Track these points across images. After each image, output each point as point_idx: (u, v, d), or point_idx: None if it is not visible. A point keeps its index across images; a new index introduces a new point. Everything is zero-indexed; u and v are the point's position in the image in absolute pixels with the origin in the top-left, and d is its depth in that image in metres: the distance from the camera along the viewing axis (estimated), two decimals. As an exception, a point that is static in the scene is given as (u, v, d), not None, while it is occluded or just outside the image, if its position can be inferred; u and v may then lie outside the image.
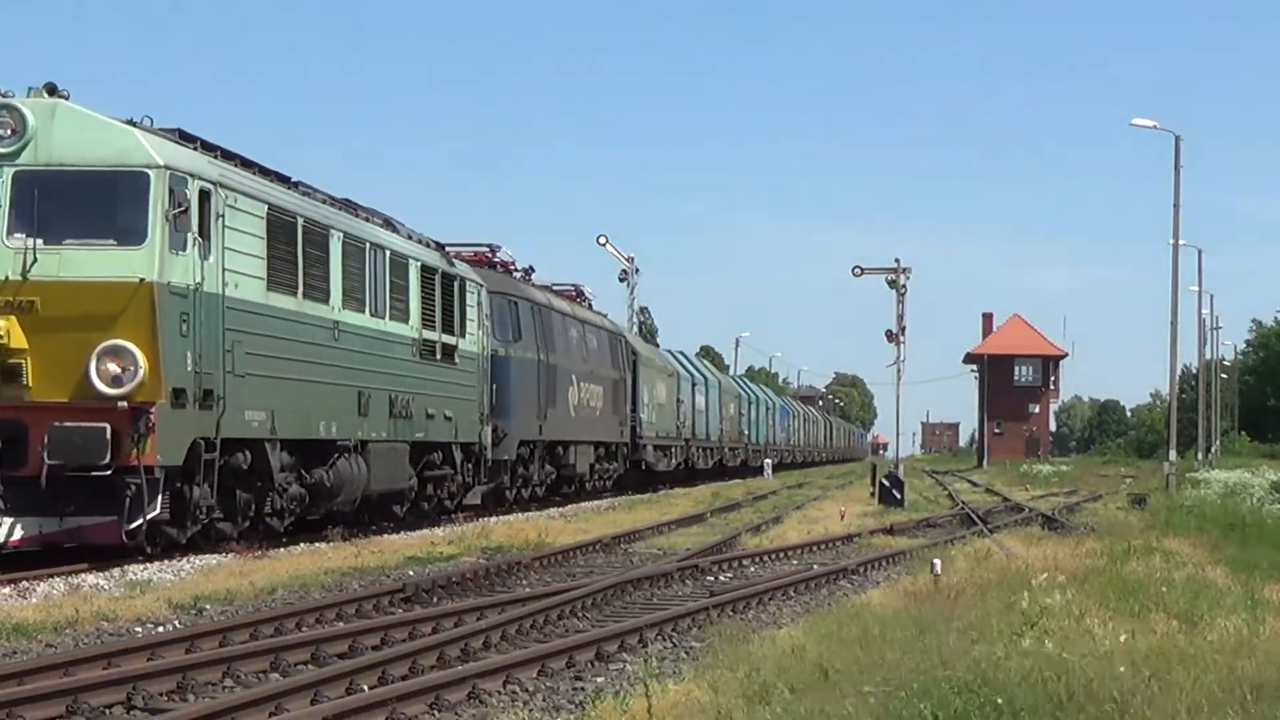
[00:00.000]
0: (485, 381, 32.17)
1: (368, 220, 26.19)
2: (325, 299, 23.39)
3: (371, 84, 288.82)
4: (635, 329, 72.97)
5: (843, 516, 34.14)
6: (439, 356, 28.83)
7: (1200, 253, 76.34)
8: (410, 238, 28.46)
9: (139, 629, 14.57)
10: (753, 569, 21.80)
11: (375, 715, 10.05)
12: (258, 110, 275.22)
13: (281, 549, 22.71)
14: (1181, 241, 51.22)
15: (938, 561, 18.07)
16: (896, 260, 45.67)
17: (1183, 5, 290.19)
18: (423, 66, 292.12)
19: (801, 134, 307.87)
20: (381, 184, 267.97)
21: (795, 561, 23.13)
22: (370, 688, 10.99)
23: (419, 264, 27.81)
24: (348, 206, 25.73)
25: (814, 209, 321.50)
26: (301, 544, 23.68)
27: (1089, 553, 21.14)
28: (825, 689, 9.88)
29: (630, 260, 75.61)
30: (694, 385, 60.94)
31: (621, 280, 75.47)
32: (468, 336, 30.92)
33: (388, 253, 26.34)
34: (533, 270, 38.95)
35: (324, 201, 24.36)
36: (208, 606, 16.10)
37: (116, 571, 18.65)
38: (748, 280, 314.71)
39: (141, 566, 19.28)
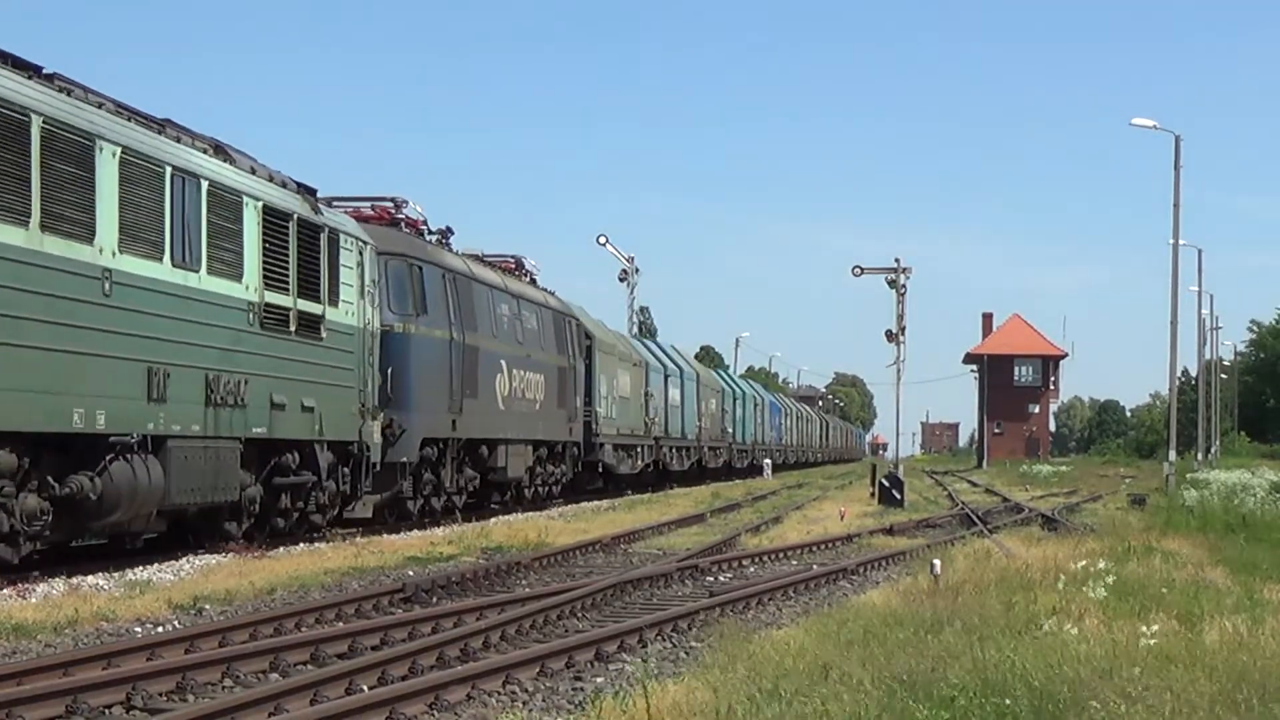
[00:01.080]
0: (369, 364, 25.91)
1: (180, 140, 20.03)
2: (88, 237, 17.41)
3: (371, 84, 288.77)
4: (635, 329, 72.94)
5: (842, 517, 34.13)
6: (294, 328, 22.73)
7: (1200, 253, 76.54)
8: (255, 172, 22.13)
9: (138, 629, 14.56)
10: (752, 569, 21.80)
11: (375, 715, 10.04)
12: (258, 111, 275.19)
13: (281, 549, 22.72)
14: (1181, 241, 51.30)
15: (937, 562, 18.06)
16: (896, 260, 45.72)
17: (1183, 5, 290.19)
18: (422, 67, 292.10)
19: (802, 134, 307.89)
20: (379, 181, 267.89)
21: (795, 562, 23.13)
22: (370, 688, 10.99)
23: (260, 205, 21.66)
24: (149, 121, 19.57)
25: (814, 209, 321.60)
26: (301, 544, 23.69)
27: (1089, 553, 21.13)
28: (826, 689, 9.87)
29: (630, 260, 75.68)
30: (666, 377, 54.69)
31: (621, 280, 75.53)
32: (341, 305, 24.62)
33: (205, 184, 20.06)
34: (451, 232, 32.04)
35: (98, 105, 18.18)
36: (207, 606, 16.10)
37: (116, 572, 18.65)
38: (748, 280, 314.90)
39: (141, 566, 19.28)
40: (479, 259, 34.48)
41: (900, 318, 45.28)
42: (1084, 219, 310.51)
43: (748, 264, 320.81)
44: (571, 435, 39.54)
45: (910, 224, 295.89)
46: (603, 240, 75.03)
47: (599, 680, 11.82)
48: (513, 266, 37.78)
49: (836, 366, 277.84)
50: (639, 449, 49.22)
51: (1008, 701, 9.03)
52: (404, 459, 27.65)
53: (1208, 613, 13.90)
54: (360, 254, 25.64)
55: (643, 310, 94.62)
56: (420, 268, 28.70)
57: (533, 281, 38.68)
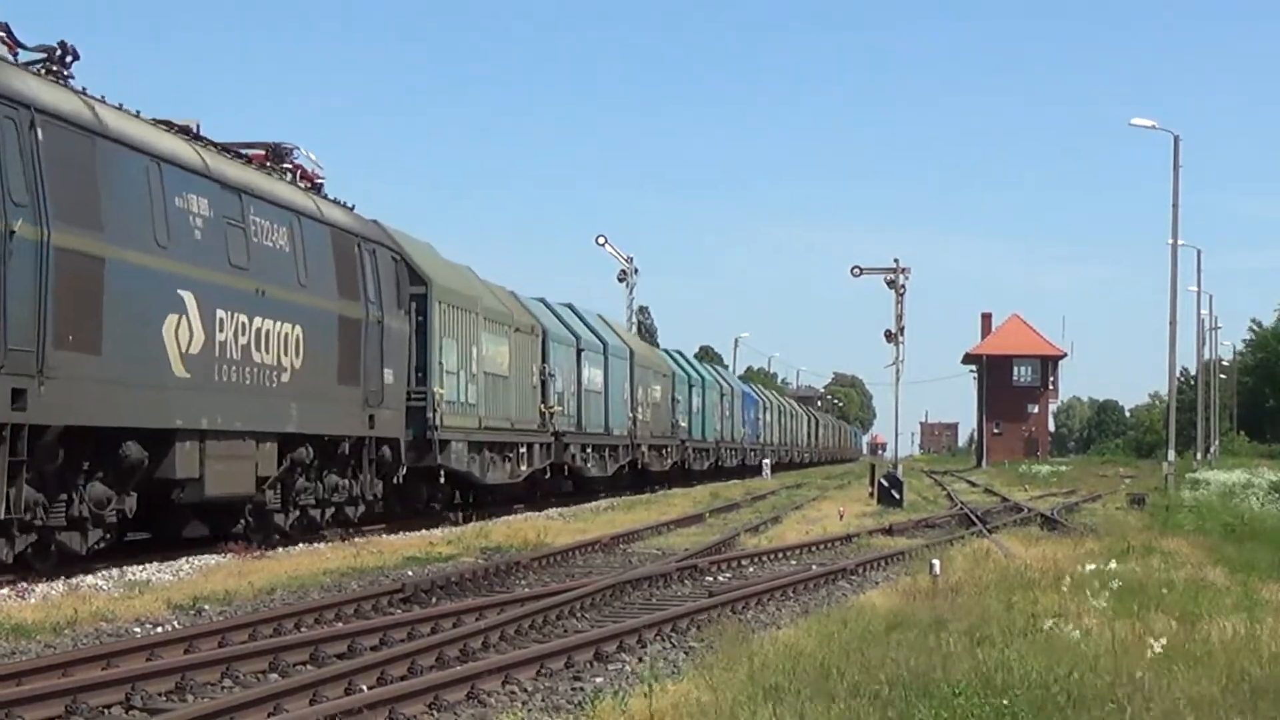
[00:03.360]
0: None
1: None
2: None
3: (371, 85, 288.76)
4: (635, 329, 72.81)
5: (841, 517, 34.14)
6: None
7: (1199, 253, 76.50)
8: None
9: (138, 629, 14.56)
10: (751, 569, 21.80)
11: (374, 715, 10.03)
12: (256, 113, 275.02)
13: (280, 549, 22.72)
14: (1181, 242, 51.32)
15: (937, 562, 18.07)
16: (895, 260, 45.84)
17: (1183, 5, 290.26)
18: (422, 67, 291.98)
19: (802, 134, 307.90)
20: (381, 185, 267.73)
21: (794, 562, 23.12)
22: (369, 688, 10.98)
23: None
24: None
25: (813, 209, 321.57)
26: (300, 544, 23.70)
27: (1088, 553, 21.13)
28: (826, 689, 9.87)
29: (629, 260, 75.69)
30: (581, 352, 42.59)
31: (621, 280, 75.54)
32: None
33: None
34: (69, 54, 18.58)
35: None
36: (206, 607, 16.10)
37: (115, 572, 18.64)
38: (747, 281, 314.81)
39: (140, 567, 19.28)
40: (169, 126, 20.91)
41: (899, 318, 45.34)
42: (1084, 219, 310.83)
43: (747, 264, 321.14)
44: (373, 428, 26.02)
45: (910, 224, 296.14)
46: (602, 240, 75.05)
47: (598, 680, 11.81)
48: (265, 157, 24.46)
49: (836, 367, 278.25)
50: (527, 449, 36.39)
51: (1006, 702, 9.03)
52: None
53: (1207, 613, 13.91)
54: None
55: (642, 310, 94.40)
56: None
57: (316, 190, 25.70)
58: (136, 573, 18.71)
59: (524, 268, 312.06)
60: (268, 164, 24.28)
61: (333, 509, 25.44)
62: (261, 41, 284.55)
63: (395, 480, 27.99)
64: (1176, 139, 49.34)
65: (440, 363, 30.21)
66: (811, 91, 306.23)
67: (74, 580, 17.70)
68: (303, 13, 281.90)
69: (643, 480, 52.49)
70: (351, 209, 27.01)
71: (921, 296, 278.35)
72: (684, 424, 59.01)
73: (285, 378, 22.68)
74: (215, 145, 22.02)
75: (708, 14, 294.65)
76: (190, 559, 20.64)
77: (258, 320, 21.78)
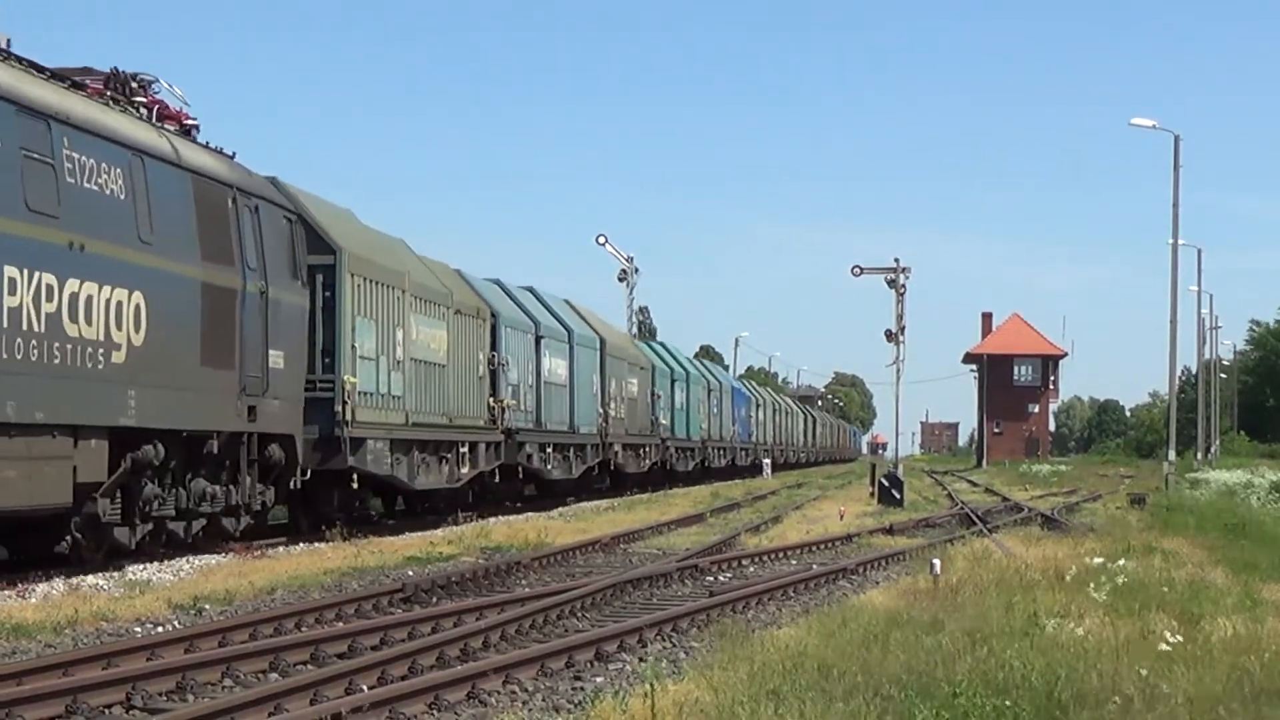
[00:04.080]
0: None
1: None
2: None
3: (371, 85, 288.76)
4: (635, 329, 72.75)
5: (842, 516, 34.14)
6: None
7: (1200, 252, 76.51)
8: None
9: (138, 629, 14.57)
10: (752, 569, 21.80)
11: (375, 715, 10.04)
12: (257, 114, 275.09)
13: (281, 549, 22.72)
14: (1181, 241, 51.31)
15: (937, 561, 18.06)
16: (896, 260, 45.78)
17: (1183, 5, 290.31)
18: (422, 67, 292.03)
19: (802, 134, 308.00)
20: (380, 185, 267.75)
21: (795, 561, 23.12)
22: (370, 688, 10.98)
23: None
24: None
25: (814, 209, 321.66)
26: (301, 544, 23.70)
27: (1088, 553, 21.14)
28: (826, 689, 9.87)
29: (630, 260, 75.69)
30: (540, 340, 37.67)
31: (621, 280, 75.55)
32: None
33: None
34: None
35: None
36: (207, 606, 16.10)
37: (116, 572, 18.65)
38: (747, 280, 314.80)
39: (141, 566, 19.28)
40: None
41: (900, 317, 45.32)
42: (1084, 219, 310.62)
43: (747, 264, 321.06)
44: (254, 422, 21.67)
45: (910, 224, 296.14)
46: (602, 240, 75.06)
47: (599, 680, 11.81)
48: (104, 88, 19.79)
49: (836, 366, 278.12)
50: (464, 449, 31.43)
51: (1008, 702, 9.02)
52: None
53: (1208, 613, 13.91)
54: None
55: (642, 310, 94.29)
56: None
57: (185, 134, 21.29)
58: (137, 572, 18.71)
59: (524, 268, 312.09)
60: (109, 95, 19.57)
61: (204, 521, 20.84)
62: (261, 42, 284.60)
63: (293, 485, 23.37)
64: (1177, 139, 49.38)
65: (353, 346, 25.44)
66: (812, 91, 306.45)
67: (74, 580, 17.70)
68: (302, 12, 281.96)
69: (618, 483, 48.57)
70: (231, 157, 22.12)
71: (922, 296, 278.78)
72: (665, 421, 53.72)
73: (118, 357, 17.97)
74: (22, 62, 17.53)
75: (708, 14, 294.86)
76: (191, 559, 20.65)
77: (72, 283, 17.04)
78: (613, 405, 44.94)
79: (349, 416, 25.02)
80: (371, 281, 26.53)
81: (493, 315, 34.35)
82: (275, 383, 22.23)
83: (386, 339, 27.14)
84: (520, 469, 36.29)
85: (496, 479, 34.67)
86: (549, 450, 37.98)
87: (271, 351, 22.15)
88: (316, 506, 26.15)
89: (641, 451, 49.37)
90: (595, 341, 44.01)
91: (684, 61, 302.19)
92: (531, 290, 40.93)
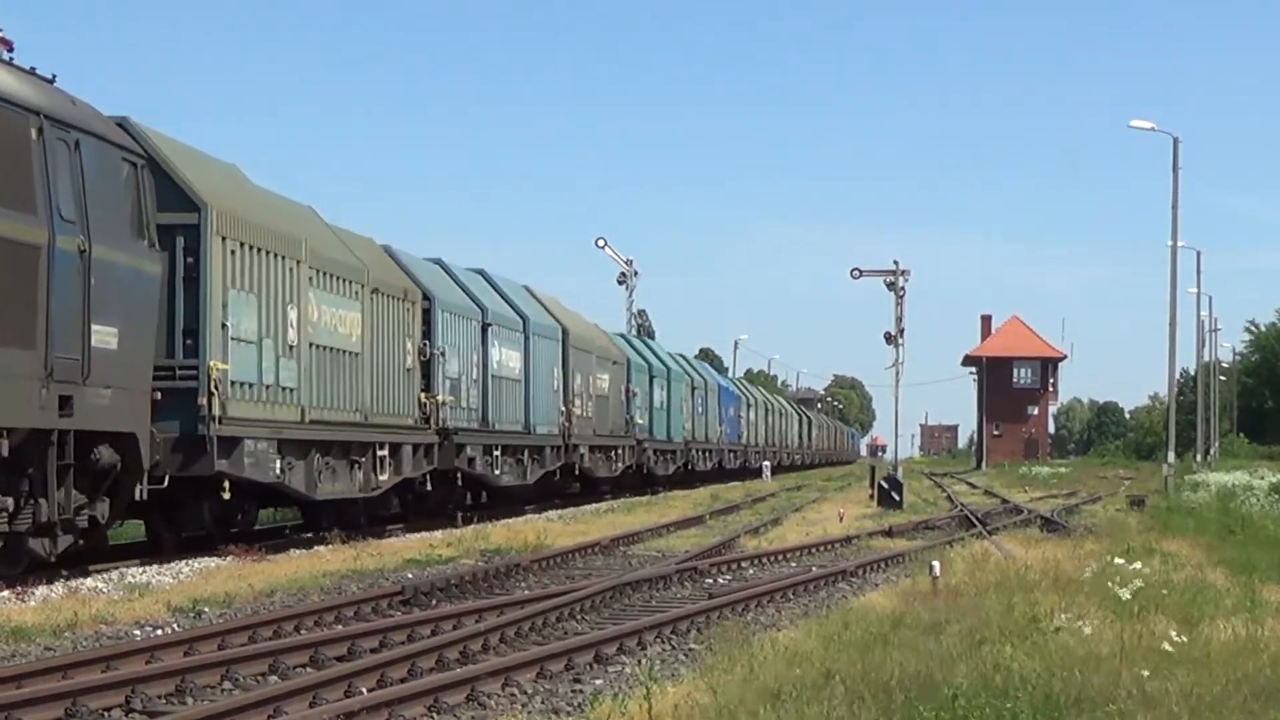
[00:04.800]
0: None
1: None
2: None
3: (371, 85, 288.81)
4: (634, 331, 72.70)
5: (841, 518, 34.14)
6: None
7: (1199, 254, 76.36)
8: None
9: (138, 632, 14.57)
10: (751, 571, 21.80)
11: (374, 717, 10.04)
12: (254, 118, 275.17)
13: (280, 552, 22.71)
14: (1180, 243, 51.28)
15: (936, 563, 18.06)
16: (895, 262, 45.80)
17: (1183, 5, 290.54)
18: (422, 68, 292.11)
19: (801, 135, 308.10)
20: (379, 186, 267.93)
21: (794, 563, 23.12)
22: (369, 690, 10.99)
23: None
24: None
25: (813, 211, 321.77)
26: (300, 547, 23.70)
27: (1088, 554, 21.13)
28: (826, 692, 9.86)
29: (629, 262, 75.84)
30: (489, 328, 33.35)
31: (620, 282, 75.67)
32: None
33: None
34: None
35: None
36: (206, 609, 16.10)
37: (115, 574, 18.65)
38: (747, 283, 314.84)
39: (140, 569, 19.29)
40: None
41: (899, 320, 45.33)
42: (1084, 220, 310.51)
43: (747, 267, 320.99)
44: (69, 415, 17.10)
45: (909, 226, 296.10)
46: (601, 243, 75.21)
47: (598, 682, 11.82)
48: None
49: (835, 369, 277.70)
50: (382, 452, 26.74)
51: (1008, 704, 9.02)
52: None
53: (1208, 614, 13.91)
54: None
55: (641, 313, 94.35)
56: None
57: None
58: (136, 575, 18.72)
59: (525, 268, 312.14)
60: None
61: None
62: (259, 42, 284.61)
63: (138, 496, 18.87)
64: (1176, 141, 49.35)
65: (224, 325, 21.18)
66: (812, 91, 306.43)
67: (74, 583, 17.70)
68: (302, 11, 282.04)
69: (589, 489, 45.26)
70: (51, 81, 17.59)
71: (921, 298, 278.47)
72: (642, 421, 49.33)
73: None
74: None
75: (708, 14, 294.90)
76: (190, 561, 20.65)
77: None
78: (578, 402, 40.57)
79: (217, 411, 20.70)
80: (252, 248, 22.07)
81: (426, 298, 29.73)
82: (103, 367, 17.49)
83: (274, 319, 22.70)
84: (460, 474, 31.65)
85: (428, 486, 30.07)
86: (497, 453, 33.33)
87: (97, 327, 17.38)
88: (180, 521, 22.29)
89: (614, 454, 45.06)
90: (557, 331, 39.35)
91: (684, 62, 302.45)
92: (481, 273, 36.41)
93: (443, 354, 30.27)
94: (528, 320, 36.57)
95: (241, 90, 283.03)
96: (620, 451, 45.77)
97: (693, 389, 59.70)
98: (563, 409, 39.06)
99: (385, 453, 26.87)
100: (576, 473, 41.94)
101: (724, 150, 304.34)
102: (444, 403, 30.06)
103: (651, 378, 51.70)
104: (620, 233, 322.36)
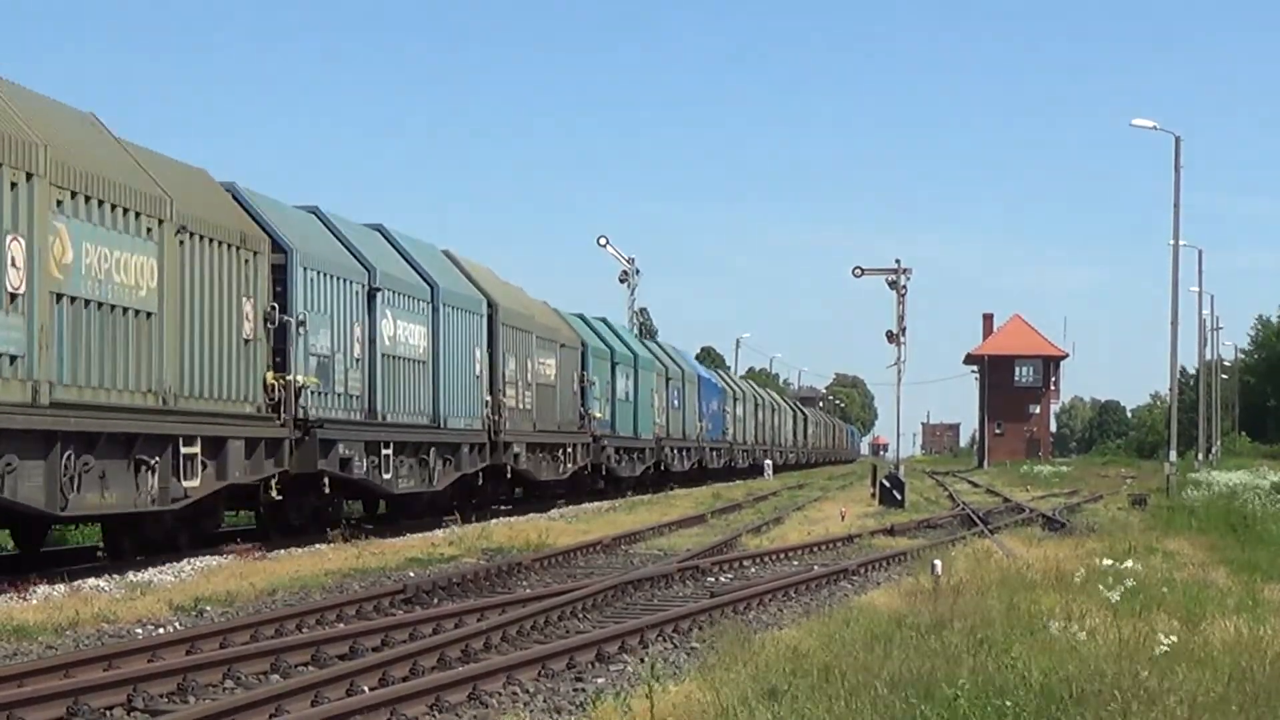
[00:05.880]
0: None
1: None
2: None
3: (371, 85, 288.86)
4: (635, 330, 72.64)
5: (843, 517, 34.15)
6: None
7: (1200, 253, 76.39)
8: None
9: (139, 630, 14.58)
10: (753, 570, 21.80)
11: (376, 716, 10.04)
12: (254, 119, 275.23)
13: (282, 550, 22.72)
14: (1182, 242, 51.23)
15: (938, 562, 18.07)
16: (897, 261, 45.74)
17: (1183, 5, 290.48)
18: (423, 68, 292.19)
19: (802, 135, 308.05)
20: (379, 187, 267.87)
21: (796, 562, 23.12)
22: (371, 689, 11.00)
23: None
24: None
25: (814, 210, 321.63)
26: (302, 546, 23.69)
27: (1090, 553, 21.14)
28: (827, 690, 9.86)
29: (630, 261, 75.75)
30: (375, 294, 26.74)
31: (622, 281, 75.60)
32: None
33: None
34: None
35: None
36: (208, 608, 16.12)
37: (117, 573, 18.66)
38: (748, 282, 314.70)
39: (141, 568, 19.30)
40: None
41: (901, 319, 45.29)
42: (1084, 219, 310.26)
43: (748, 266, 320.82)
44: None
45: (910, 225, 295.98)
46: (603, 241, 75.15)
47: (600, 681, 11.82)
48: None
49: (837, 368, 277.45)
50: (189, 452, 20.46)
51: (1009, 703, 9.02)
52: None
53: (1209, 613, 13.91)
54: None
55: (642, 312, 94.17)
56: None
57: None
58: (138, 574, 18.73)
59: (525, 269, 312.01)
60: None
61: None
62: (259, 42, 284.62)
63: None
64: (1178, 140, 49.31)
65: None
66: (813, 92, 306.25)
67: (75, 582, 17.71)
68: (302, 11, 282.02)
69: (531, 493, 39.64)
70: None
71: (923, 297, 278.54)
72: (601, 415, 43.34)
73: None
74: None
75: (708, 15, 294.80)
76: (192, 560, 20.65)
77: None
78: (512, 391, 34.26)
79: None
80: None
81: (280, 249, 23.55)
82: None
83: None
84: (326, 478, 24.82)
85: (275, 493, 23.27)
86: (387, 452, 26.72)
87: None
88: None
89: (561, 453, 38.73)
90: (480, 304, 32.93)
91: (687, 62, 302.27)
92: (379, 229, 30.23)
93: (303, 323, 23.71)
94: (437, 289, 30.14)
95: (242, 89, 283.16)
96: (570, 450, 39.60)
97: (666, 379, 53.71)
98: (488, 399, 32.77)
99: (197, 450, 20.58)
100: (509, 474, 35.25)
101: (726, 150, 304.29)
102: (304, 386, 23.55)
103: (614, 365, 45.79)
104: (622, 232, 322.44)
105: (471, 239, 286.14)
